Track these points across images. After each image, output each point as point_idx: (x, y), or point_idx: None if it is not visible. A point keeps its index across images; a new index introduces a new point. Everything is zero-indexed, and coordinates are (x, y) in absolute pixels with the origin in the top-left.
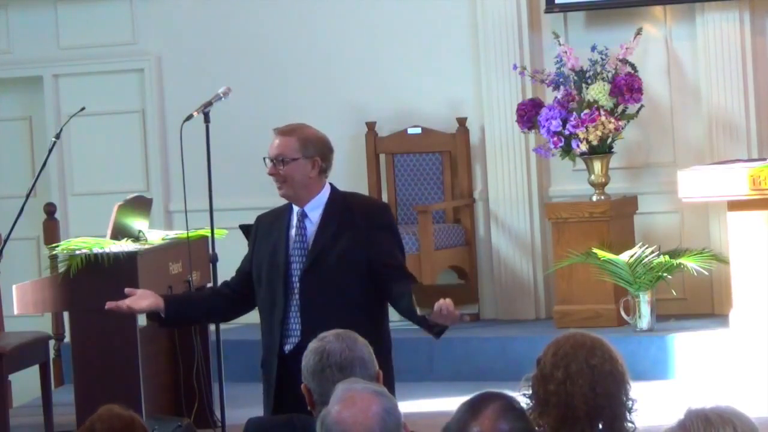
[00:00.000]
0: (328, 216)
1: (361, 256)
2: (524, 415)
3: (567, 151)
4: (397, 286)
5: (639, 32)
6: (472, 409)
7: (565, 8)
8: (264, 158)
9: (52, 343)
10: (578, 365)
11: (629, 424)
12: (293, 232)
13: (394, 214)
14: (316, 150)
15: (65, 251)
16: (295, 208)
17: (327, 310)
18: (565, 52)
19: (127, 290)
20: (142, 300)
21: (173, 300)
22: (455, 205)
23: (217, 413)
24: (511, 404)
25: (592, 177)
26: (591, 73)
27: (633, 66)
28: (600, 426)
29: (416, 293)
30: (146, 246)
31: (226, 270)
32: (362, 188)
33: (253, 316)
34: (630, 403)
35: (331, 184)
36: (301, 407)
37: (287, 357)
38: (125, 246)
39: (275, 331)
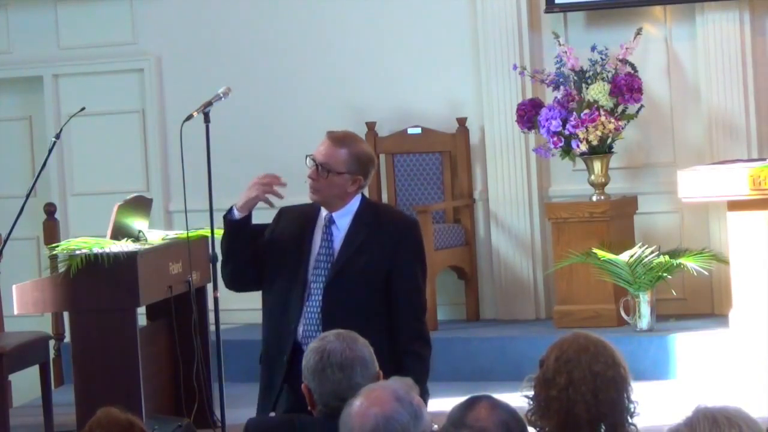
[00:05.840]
0: (357, 226)
1: (382, 271)
2: (514, 410)
3: (567, 151)
4: (402, 345)
5: (639, 32)
6: (465, 406)
7: (565, 8)
8: (307, 157)
9: (52, 343)
10: (581, 372)
11: (631, 427)
12: (318, 237)
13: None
14: (363, 169)
15: (65, 251)
16: (323, 211)
17: (348, 324)
18: (565, 52)
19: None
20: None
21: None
22: (455, 205)
23: (217, 413)
24: (499, 401)
25: (592, 177)
26: (591, 73)
27: (633, 66)
28: (602, 429)
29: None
30: (146, 246)
31: None
32: None
33: (252, 316)
34: (632, 406)
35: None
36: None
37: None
38: (125, 246)
39: (285, 333)
